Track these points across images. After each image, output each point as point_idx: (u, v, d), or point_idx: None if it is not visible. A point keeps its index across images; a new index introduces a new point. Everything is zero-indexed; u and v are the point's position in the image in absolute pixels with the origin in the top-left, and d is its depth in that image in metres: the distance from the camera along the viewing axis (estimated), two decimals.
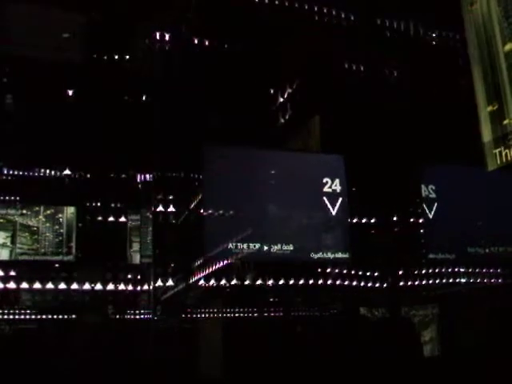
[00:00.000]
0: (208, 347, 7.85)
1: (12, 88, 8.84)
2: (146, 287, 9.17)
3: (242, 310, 9.73)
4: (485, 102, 4.71)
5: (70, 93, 9.08)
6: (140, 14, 8.19)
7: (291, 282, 8.42)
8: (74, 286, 9.11)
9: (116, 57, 8.99)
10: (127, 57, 9.04)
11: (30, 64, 8.15)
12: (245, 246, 7.86)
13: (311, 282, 8.47)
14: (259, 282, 8.29)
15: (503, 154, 4.43)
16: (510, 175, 6.75)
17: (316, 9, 8.86)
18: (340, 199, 8.36)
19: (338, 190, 8.37)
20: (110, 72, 8.89)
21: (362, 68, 9.36)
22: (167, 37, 8.61)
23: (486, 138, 4.66)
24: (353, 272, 8.71)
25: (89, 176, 10.39)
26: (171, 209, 8.72)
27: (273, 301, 9.77)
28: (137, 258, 10.23)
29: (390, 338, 7.82)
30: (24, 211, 10.00)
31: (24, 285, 9.03)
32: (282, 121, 9.25)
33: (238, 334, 8.26)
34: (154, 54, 8.65)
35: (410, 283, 8.77)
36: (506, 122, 4.56)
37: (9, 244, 9.91)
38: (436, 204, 8.59)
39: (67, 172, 10.23)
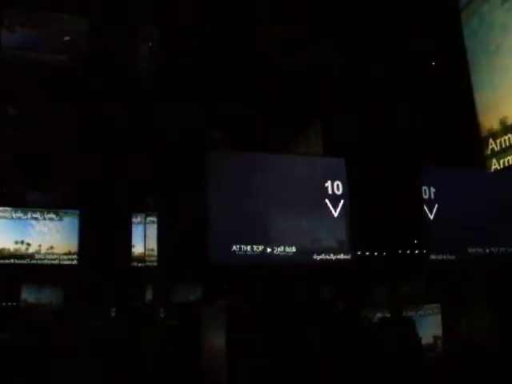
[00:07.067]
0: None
1: None
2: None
3: None
4: None
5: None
6: None
7: None
8: None
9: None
10: None
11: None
12: (248, 248, 7.96)
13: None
14: None
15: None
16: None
17: None
18: (342, 201, 8.49)
19: (340, 193, 8.51)
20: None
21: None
22: None
23: None
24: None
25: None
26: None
27: None
28: None
29: (392, 338, 7.86)
30: None
31: None
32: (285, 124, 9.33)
33: None
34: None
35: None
36: None
37: None
38: (436, 205, 8.70)
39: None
